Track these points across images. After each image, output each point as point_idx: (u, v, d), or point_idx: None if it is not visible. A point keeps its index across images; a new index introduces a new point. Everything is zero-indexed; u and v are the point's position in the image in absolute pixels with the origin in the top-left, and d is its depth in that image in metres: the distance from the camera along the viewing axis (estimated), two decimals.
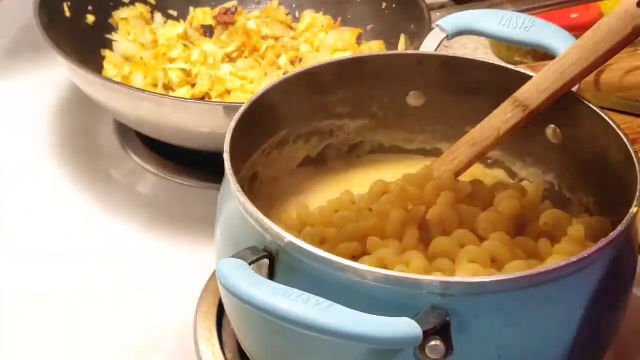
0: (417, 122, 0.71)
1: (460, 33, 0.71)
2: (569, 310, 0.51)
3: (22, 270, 0.75)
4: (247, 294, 0.47)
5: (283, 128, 0.67)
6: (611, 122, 0.60)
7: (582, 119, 0.63)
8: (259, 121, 0.63)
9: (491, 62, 0.69)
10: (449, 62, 0.68)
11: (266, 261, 0.52)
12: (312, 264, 0.50)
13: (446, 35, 0.70)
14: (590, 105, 0.62)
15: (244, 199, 0.54)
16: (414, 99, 0.70)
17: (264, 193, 0.67)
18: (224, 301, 0.61)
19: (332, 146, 0.71)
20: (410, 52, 0.77)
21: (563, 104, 0.64)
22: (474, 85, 0.68)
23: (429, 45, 0.71)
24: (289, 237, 0.51)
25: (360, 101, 0.70)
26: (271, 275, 0.52)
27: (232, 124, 0.60)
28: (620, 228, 0.52)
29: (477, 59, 0.69)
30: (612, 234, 0.52)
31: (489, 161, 0.71)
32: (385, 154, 0.73)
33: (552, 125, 0.66)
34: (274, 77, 0.88)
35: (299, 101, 0.67)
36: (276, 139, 0.67)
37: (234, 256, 0.51)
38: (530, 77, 0.64)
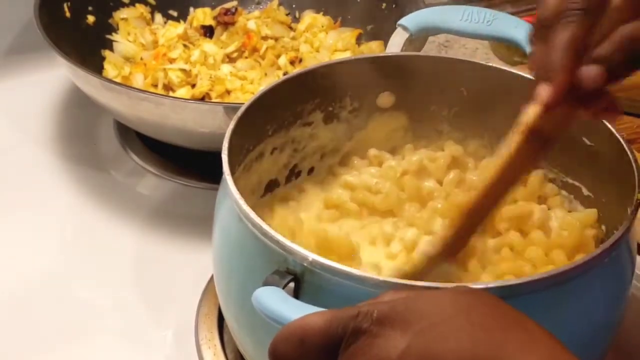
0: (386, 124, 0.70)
1: (423, 31, 0.70)
2: (569, 312, 0.51)
3: (22, 270, 0.75)
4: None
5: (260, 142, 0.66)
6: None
7: None
8: (251, 128, 0.62)
9: (454, 57, 0.68)
10: (415, 62, 0.67)
11: (292, 284, 0.50)
12: (341, 281, 0.49)
13: (409, 34, 0.70)
14: None
15: (258, 221, 0.52)
16: (383, 100, 0.69)
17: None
18: (223, 309, 0.61)
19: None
20: (373, 55, 0.76)
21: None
22: (444, 85, 0.67)
23: (394, 45, 0.70)
24: (313, 256, 0.50)
25: (330, 106, 0.68)
26: (296, 296, 0.50)
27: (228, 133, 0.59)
28: (619, 232, 0.52)
29: (441, 56, 0.68)
30: (612, 237, 0.52)
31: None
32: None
33: None
34: (274, 77, 0.88)
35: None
36: (254, 154, 0.65)
37: (266, 284, 0.49)
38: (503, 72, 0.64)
